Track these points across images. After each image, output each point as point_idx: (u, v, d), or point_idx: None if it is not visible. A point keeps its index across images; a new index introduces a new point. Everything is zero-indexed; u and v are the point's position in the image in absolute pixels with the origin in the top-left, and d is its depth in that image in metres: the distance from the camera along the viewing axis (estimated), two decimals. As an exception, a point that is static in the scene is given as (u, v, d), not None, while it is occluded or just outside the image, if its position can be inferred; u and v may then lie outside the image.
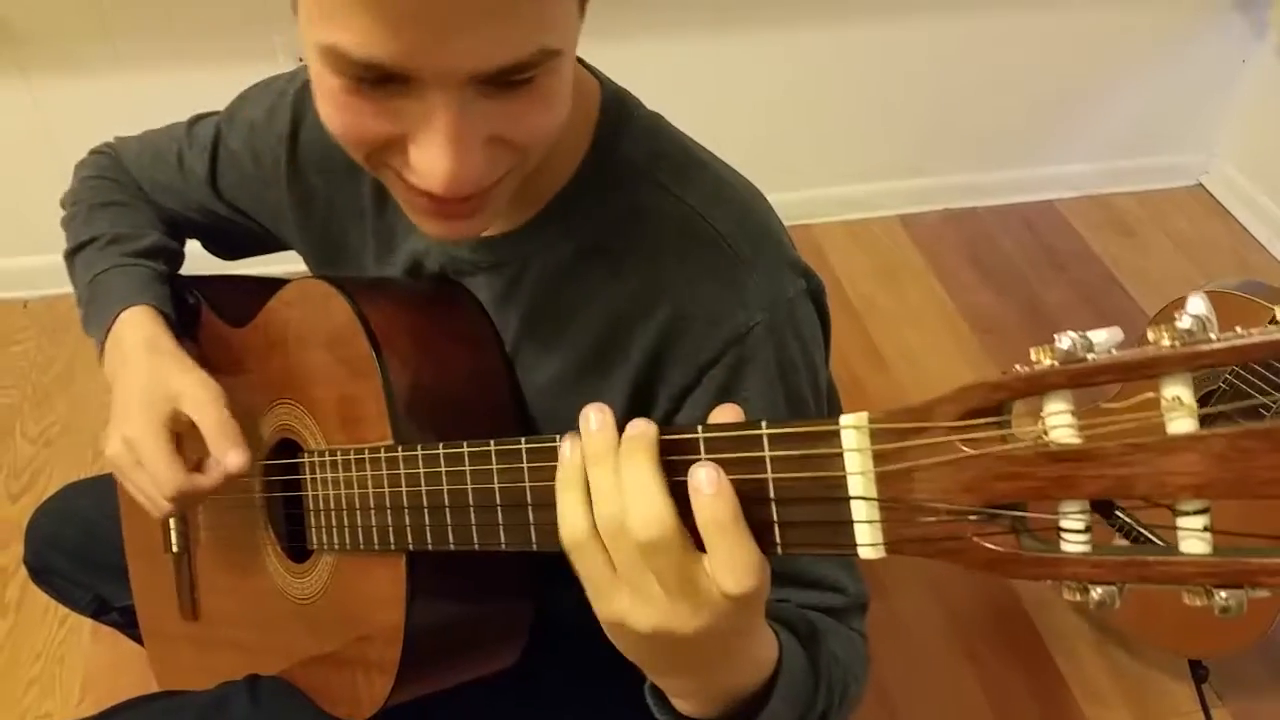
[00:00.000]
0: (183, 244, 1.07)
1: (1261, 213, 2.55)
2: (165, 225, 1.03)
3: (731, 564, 0.50)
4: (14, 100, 2.06)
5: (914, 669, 1.68)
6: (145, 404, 0.87)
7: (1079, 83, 2.50)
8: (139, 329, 0.92)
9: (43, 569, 1.25)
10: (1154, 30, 2.46)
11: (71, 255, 1.01)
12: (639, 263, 0.76)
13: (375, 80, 0.59)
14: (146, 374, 0.88)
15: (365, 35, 0.56)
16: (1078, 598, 0.39)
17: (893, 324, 2.29)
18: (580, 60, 0.80)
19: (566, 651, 0.85)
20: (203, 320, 1.01)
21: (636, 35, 2.21)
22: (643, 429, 0.53)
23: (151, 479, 0.86)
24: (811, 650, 0.71)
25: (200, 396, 0.87)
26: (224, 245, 1.08)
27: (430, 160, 0.62)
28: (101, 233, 0.99)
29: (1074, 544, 0.39)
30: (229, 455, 0.85)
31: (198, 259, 1.07)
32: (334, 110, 0.63)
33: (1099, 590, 0.38)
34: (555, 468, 0.59)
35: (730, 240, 0.75)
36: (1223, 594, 0.36)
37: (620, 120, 0.78)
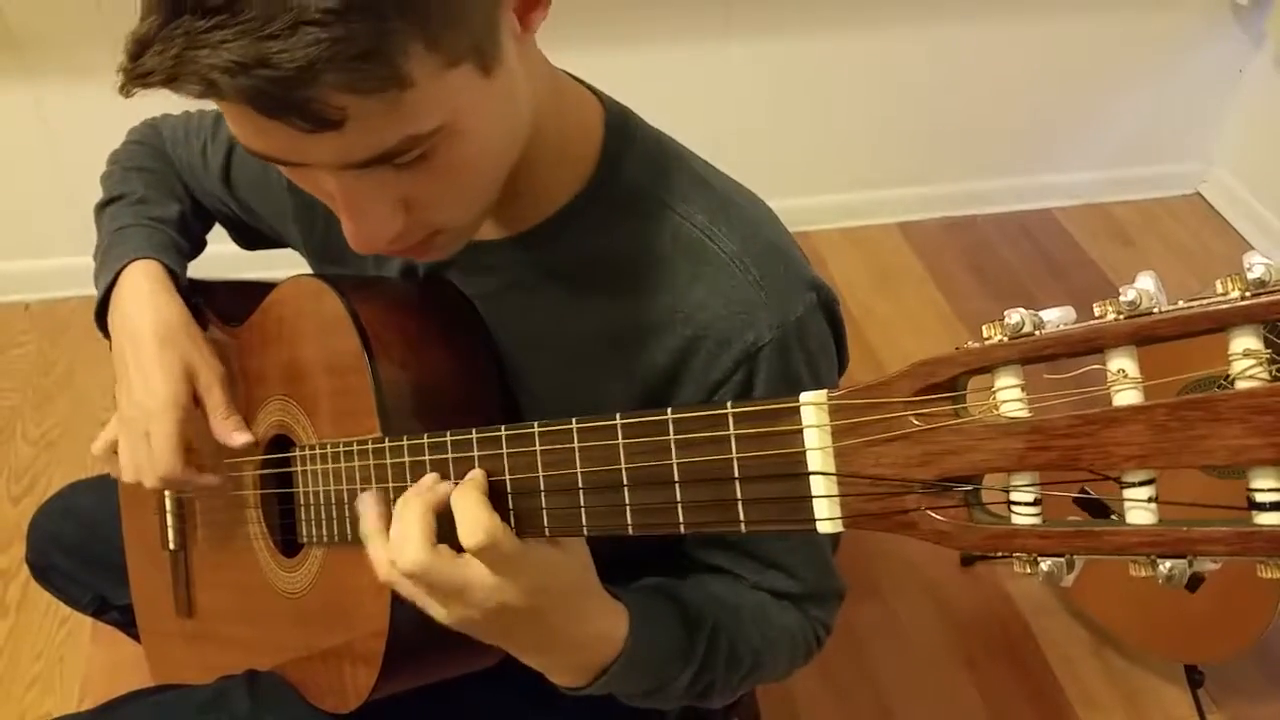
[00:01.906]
0: (207, 226, 1.09)
1: (1260, 222, 2.55)
2: (190, 203, 1.06)
3: (464, 524, 0.62)
4: (17, 104, 2.07)
5: (911, 674, 1.68)
6: (167, 375, 0.89)
7: (1078, 92, 2.51)
8: (149, 279, 0.94)
9: (44, 567, 1.26)
10: (1152, 40, 2.46)
11: (101, 209, 1.03)
12: (644, 283, 0.76)
13: (278, 161, 0.63)
14: (160, 340, 0.90)
15: (245, 136, 0.61)
16: (1027, 570, 0.39)
17: (892, 331, 2.29)
18: (582, 81, 0.80)
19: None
20: (204, 319, 1.02)
21: (636, 43, 2.23)
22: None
23: (153, 454, 0.88)
24: (694, 622, 0.78)
25: (209, 378, 0.90)
26: (242, 234, 1.10)
27: (345, 225, 0.66)
28: (133, 190, 1.02)
29: (1024, 516, 0.39)
30: (234, 435, 0.90)
31: (204, 260, 1.08)
32: (279, 169, 0.67)
33: (1048, 562, 0.39)
34: (535, 454, 0.63)
35: (737, 260, 0.75)
36: (1166, 564, 0.36)
37: (624, 141, 0.78)
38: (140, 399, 0.89)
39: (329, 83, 0.54)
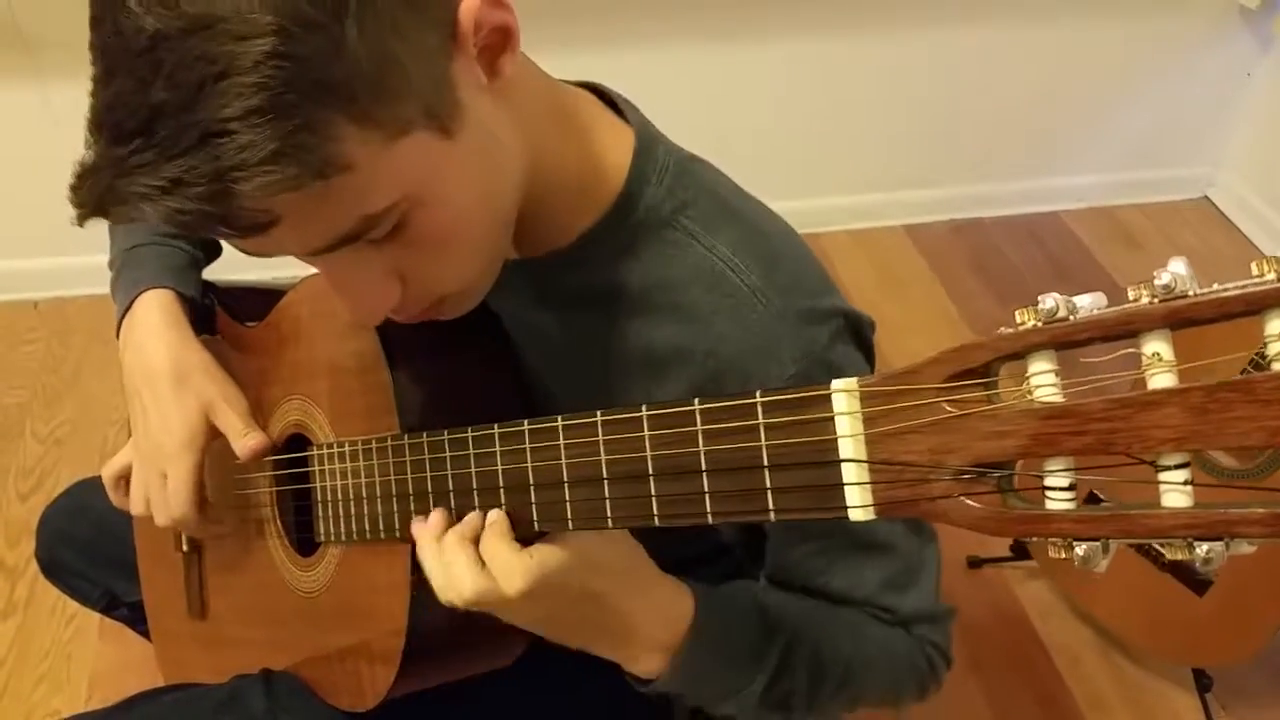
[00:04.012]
0: None
1: (1267, 225, 2.55)
2: None
3: (502, 574, 0.65)
4: (27, 102, 2.07)
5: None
6: (184, 417, 0.89)
7: (1085, 95, 2.51)
8: (161, 313, 0.94)
9: (54, 564, 1.26)
10: (1160, 43, 2.47)
11: None
12: (667, 314, 0.75)
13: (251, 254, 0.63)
14: (175, 379, 0.90)
15: None
16: (1063, 555, 0.39)
17: (899, 333, 2.29)
18: (613, 104, 0.79)
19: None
20: (218, 319, 1.02)
21: (645, 44, 2.23)
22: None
23: (170, 495, 0.90)
24: (772, 621, 0.77)
25: (224, 409, 0.90)
26: None
27: (340, 301, 0.66)
28: None
29: (1058, 501, 0.39)
30: (254, 449, 0.89)
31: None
32: None
33: (1083, 546, 0.39)
34: (558, 448, 0.62)
35: (760, 293, 0.73)
36: (1204, 546, 0.36)
37: (650, 167, 0.75)
38: (158, 438, 0.90)
39: (245, 191, 0.53)
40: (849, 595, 0.81)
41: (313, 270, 0.92)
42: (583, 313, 0.79)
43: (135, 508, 0.93)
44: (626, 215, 0.75)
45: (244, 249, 0.60)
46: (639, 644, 0.72)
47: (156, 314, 0.93)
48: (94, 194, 0.54)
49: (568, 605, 0.68)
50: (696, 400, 0.53)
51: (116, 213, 0.54)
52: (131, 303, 0.94)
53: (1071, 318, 0.38)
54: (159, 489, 0.90)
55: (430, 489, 0.72)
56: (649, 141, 0.76)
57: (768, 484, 0.50)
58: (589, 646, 0.72)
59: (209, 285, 1.03)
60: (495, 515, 0.67)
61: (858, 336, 0.78)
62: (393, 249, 0.62)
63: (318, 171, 0.54)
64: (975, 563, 1.83)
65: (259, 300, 0.98)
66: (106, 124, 0.53)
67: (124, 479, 0.97)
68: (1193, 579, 1.50)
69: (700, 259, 0.74)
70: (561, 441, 0.62)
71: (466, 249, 0.66)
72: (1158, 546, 1.20)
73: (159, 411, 0.90)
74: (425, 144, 0.58)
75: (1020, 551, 1.78)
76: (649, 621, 0.72)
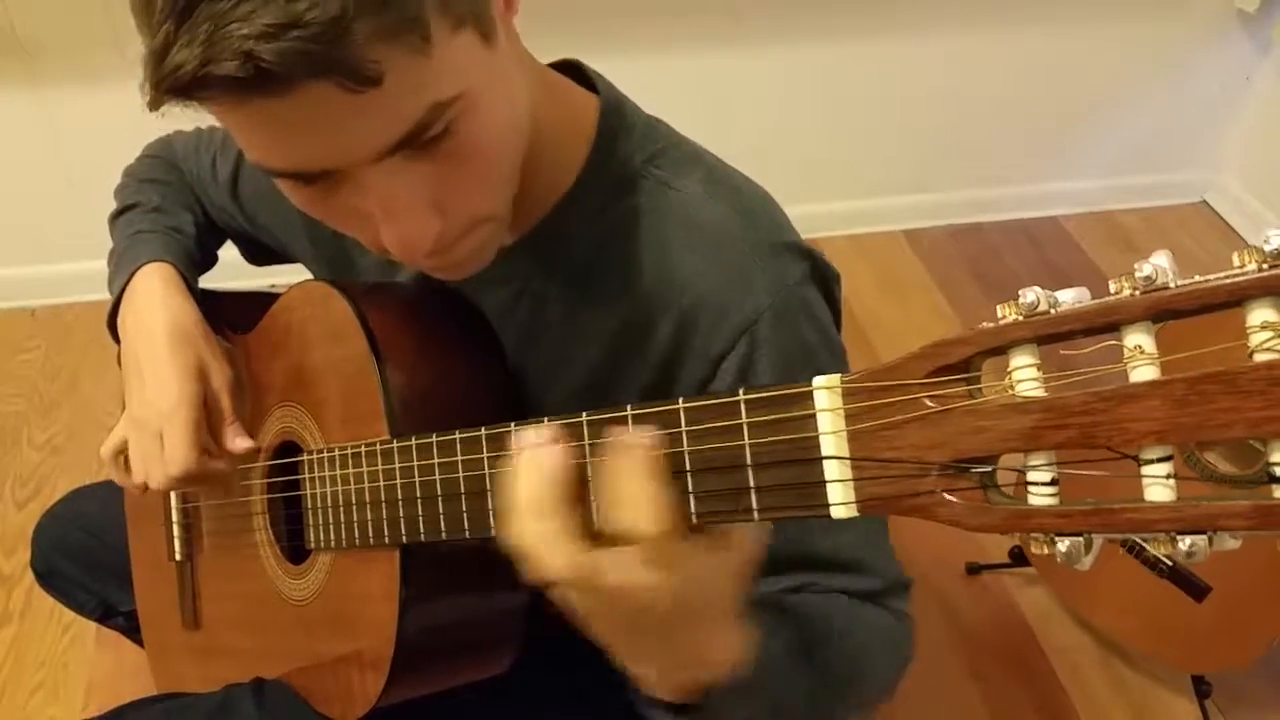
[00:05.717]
0: (220, 241, 1.09)
1: (1265, 229, 2.54)
2: (203, 216, 1.06)
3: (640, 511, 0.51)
4: (24, 111, 2.08)
5: (918, 685, 1.66)
6: (180, 374, 0.89)
7: (1084, 99, 2.51)
8: (162, 281, 0.94)
9: (49, 573, 1.26)
10: (1158, 47, 2.47)
11: (115, 217, 1.04)
12: (644, 264, 0.76)
13: (307, 178, 0.62)
14: (173, 339, 0.90)
15: (264, 152, 0.60)
16: (1046, 550, 0.39)
17: (897, 338, 2.29)
18: (579, 67, 0.81)
19: (563, 655, 0.85)
20: (212, 328, 1.02)
21: (644, 48, 2.23)
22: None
23: (166, 453, 0.88)
24: (814, 653, 0.70)
25: (220, 381, 0.91)
26: (249, 247, 1.10)
27: (386, 233, 0.65)
28: (148, 200, 1.03)
29: (1041, 496, 0.39)
30: (235, 441, 0.90)
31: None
32: (300, 203, 0.67)
33: (1066, 542, 0.38)
34: None
35: (729, 227, 0.75)
36: (1187, 541, 0.36)
37: (617, 127, 0.78)
38: (153, 398, 0.89)
39: (361, 32, 0.54)
40: (834, 557, 0.77)
41: (302, 278, 0.93)
42: (572, 282, 0.79)
43: (136, 476, 0.92)
44: (601, 169, 0.77)
45: (305, 167, 0.60)
46: (664, 682, 0.62)
47: (158, 282, 0.93)
48: (191, 54, 0.53)
49: (652, 606, 0.54)
50: (680, 399, 0.53)
51: (219, 66, 0.53)
52: (131, 276, 0.94)
53: (1052, 311, 0.38)
54: (155, 449, 0.89)
55: (418, 494, 0.72)
56: (616, 102, 0.79)
57: (751, 483, 0.50)
58: (617, 651, 0.60)
59: (204, 292, 1.02)
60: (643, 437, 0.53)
61: (824, 285, 0.78)
62: (438, 167, 0.63)
63: (420, 28, 0.56)
64: (974, 569, 1.82)
65: (252, 307, 0.98)
66: None
67: (123, 454, 0.96)
68: (1192, 586, 1.49)
69: (673, 201, 0.76)
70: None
71: (500, 168, 0.68)
72: (1140, 541, 1.19)
73: (155, 372, 0.89)
74: (473, 44, 0.61)
75: (1019, 558, 1.78)
76: (691, 667, 0.61)
